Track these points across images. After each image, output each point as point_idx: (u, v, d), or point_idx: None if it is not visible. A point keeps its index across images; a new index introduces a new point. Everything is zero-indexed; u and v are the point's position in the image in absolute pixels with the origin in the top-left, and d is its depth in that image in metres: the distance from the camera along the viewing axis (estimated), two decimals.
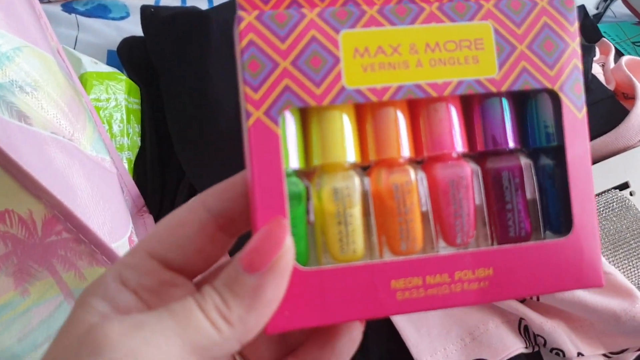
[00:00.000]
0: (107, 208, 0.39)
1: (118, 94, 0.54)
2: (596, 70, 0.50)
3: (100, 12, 0.70)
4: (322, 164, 0.22)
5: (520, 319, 0.42)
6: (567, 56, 0.22)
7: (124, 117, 0.53)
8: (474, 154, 0.23)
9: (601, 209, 0.43)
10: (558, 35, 0.22)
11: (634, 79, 0.47)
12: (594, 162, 0.45)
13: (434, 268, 0.21)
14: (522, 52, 0.22)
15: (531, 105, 0.23)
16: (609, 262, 0.41)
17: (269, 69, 0.20)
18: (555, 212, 0.23)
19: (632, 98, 0.47)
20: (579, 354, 0.40)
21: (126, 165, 0.52)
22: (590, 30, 0.64)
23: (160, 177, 0.53)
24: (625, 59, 0.50)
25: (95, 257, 0.34)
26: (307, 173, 0.22)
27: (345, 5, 0.22)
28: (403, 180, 0.22)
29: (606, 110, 0.47)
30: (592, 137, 0.46)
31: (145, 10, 0.60)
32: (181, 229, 0.21)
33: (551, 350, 0.41)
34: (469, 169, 0.22)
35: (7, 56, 0.36)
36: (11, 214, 0.31)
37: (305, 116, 0.22)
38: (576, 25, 0.22)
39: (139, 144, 0.55)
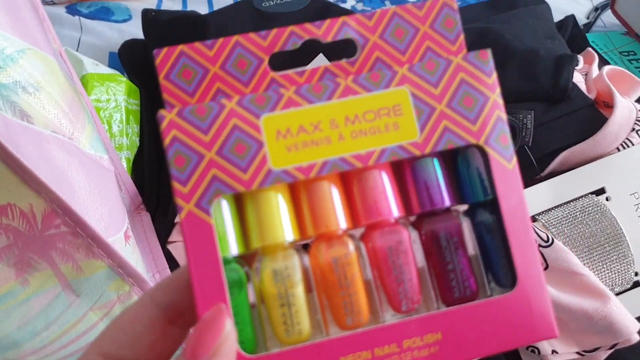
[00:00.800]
0: (104, 204, 0.40)
1: (118, 95, 0.55)
2: (578, 79, 0.52)
3: (103, 14, 0.72)
4: (261, 246, 0.22)
5: None
6: (488, 109, 0.22)
7: (124, 117, 0.55)
8: (413, 216, 0.23)
9: (577, 214, 0.44)
10: (476, 90, 0.22)
11: (613, 88, 0.48)
12: (572, 167, 0.47)
13: (382, 339, 0.20)
14: (441, 112, 0.22)
15: (461, 161, 0.23)
16: (584, 264, 0.42)
17: (195, 161, 0.21)
18: (499, 265, 0.22)
19: (612, 107, 0.49)
20: (554, 351, 0.42)
21: (125, 165, 0.54)
22: (578, 40, 0.65)
23: (157, 177, 0.55)
24: (606, 68, 0.52)
25: (92, 250, 0.36)
26: (248, 257, 0.22)
27: (268, 89, 0.22)
28: (342, 252, 0.21)
29: (586, 118, 0.48)
30: (571, 144, 0.48)
31: (146, 14, 0.62)
32: (131, 326, 0.21)
33: (527, 348, 0.43)
34: (406, 233, 0.22)
35: (11, 58, 0.37)
36: (13, 208, 0.33)
37: (240, 200, 0.22)
38: (494, 76, 0.22)
39: (138, 144, 0.56)
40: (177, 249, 0.49)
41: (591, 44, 0.67)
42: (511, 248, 0.21)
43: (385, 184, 0.22)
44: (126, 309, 0.22)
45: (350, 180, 0.23)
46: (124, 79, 0.58)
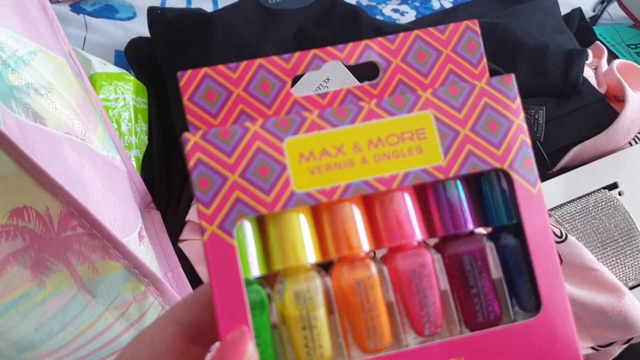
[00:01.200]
0: (117, 205, 0.40)
1: (126, 94, 0.55)
2: (588, 73, 0.52)
3: (108, 12, 0.72)
4: (283, 268, 0.22)
5: None
6: (512, 133, 0.22)
7: (132, 116, 0.55)
8: (435, 239, 0.23)
9: (590, 208, 0.44)
10: (501, 114, 0.22)
11: (624, 82, 0.48)
12: (584, 162, 0.47)
13: None
14: (465, 136, 0.22)
15: (485, 184, 0.23)
16: (598, 259, 0.42)
17: (219, 184, 0.21)
18: (523, 290, 0.22)
19: (622, 101, 0.49)
20: None
21: (134, 163, 0.54)
22: (585, 33, 0.65)
23: (167, 175, 0.55)
24: (616, 62, 0.52)
25: (107, 251, 0.36)
26: (270, 278, 0.23)
27: (290, 112, 0.22)
28: (364, 275, 0.21)
29: (597, 112, 0.48)
30: (583, 138, 0.48)
31: (152, 12, 0.62)
32: (152, 344, 0.21)
33: None
34: (430, 256, 0.22)
35: (23, 60, 0.37)
36: (29, 210, 0.33)
37: (262, 222, 0.22)
38: (518, 101, 0.22)
39: (147, 142, 0.56)
40: (189, 247, 0.50)
41: (598, 37, 0.67)
42: (535, 272, 0.21)
43: (408, 206, 0.22)
44: (147, 327, 0.22)
45: (372, 202, 0.22)
46: (132, 77, 0.58)
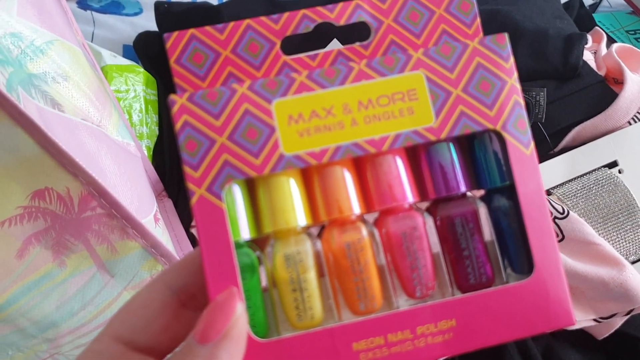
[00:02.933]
0: (133, 188, 0.42)
1: (137, 86, 0.57)
2: (588, 57, 0.53)
3: (114, 8, 0.73)
4: (273, 231, 0.22)
5: None
6: (505, 94, 0.21)
7: (143, 107, 0.57)
8: (427, 202, 0.23)
9: (591, 186, 0.46)
10: (494, 74, 0.21)
11: (623, 64, 0.49)
12: (585, 142, 0.48)
13: (395, 325, 0.20)
14: (458, 96, 0.21)
15: (477, 146, 0.23)
16: (599, 234, 0.44)
17: (207, 146, 0.21)
18: (515, 251, 0.22)
19: (621, 83, 0.50)
20: None
21: (146, 153, 0.55)
22: (585, 20, 0.66)
23: (178, 164, 0.56)
24: (615, 46, 0.53)
25: (126, 231, 0.37)
26: (260, 242, 0.22)
27: (280, 73, 0.22)
28: (355, 238, 0.21)
29: (597, 94, 0.49)
30: (583, 119, 0.49)
31: (159, 7, 0.63)
32: (144, 309, 0.21)
33: None
34: (421, 219, 0.22)
35: (40, 49, 0.39)
36: (50, 192, 0.34)
37: (252, 185, 0.22)
38: (511, 61, 0.22)
39: (157, 132, 0.58)
40: None
41: (597, 23, 0.68)
42: (528, 234, 0.21)
43: (399, 168, 0.22)
44: (138, 292, 0.22)
45: (363, 165, 0.22)
46: (142, 69, 0.59)
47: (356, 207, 0.22)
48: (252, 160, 0.21)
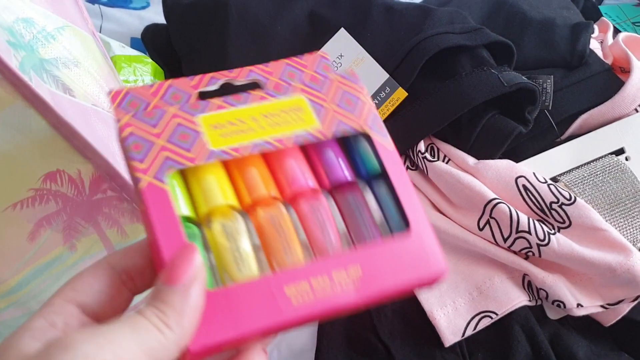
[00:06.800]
0: None
1: (145, 76, 0.57)
2: (594, 45, 0.53)
3: (122, 2, 0.74)
4: (207, 211, 0.26)
5: (524, 275, 0.46)
6: (366, 109, 0.28)
7: None
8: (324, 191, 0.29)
9: (598, 173, 0.46)
10: (354, 96, 0.29)
11: (630, 53, 0.50)
12: (591, 130, 0.48)
13: (316, 272, 0.25)
14: (332, 109, 0.28)
15: (353, 145, 0.29)
16: (606, 220, 0.44)
17: (149, 146, 0.25)
18: (393, 217, 0.27)
19: (628, 72, 0.50)
20: (579, 305, 0.43)
21: None
22: (591, 12, 0.66)
23: None
24: (622, 35, 0.53)
25: (136, 215, 0.37)
26: (197, 223, 0.26)
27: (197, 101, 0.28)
28: (277, 212, 0.26)
29: (603, 82, 0.50)
30: (590, 107, 0.49)
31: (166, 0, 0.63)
32: (93, 279, 0.24)
33: (553, 302, 0.44)
34: (324, 197, 0.28)
35: (51, 35, 0.39)
36: (62, 174, 0.35)
37: (185, 180, 0.27)
38: (365, 90, 0.29)
39: None
40: None
41: (604, 15, 0.68)
42: (401, 202, 0.27)
43: (300, 161, 0.28)
44: (83, 270, 0.25)
45: (271, 163, 0.28)
46: (150, 60, 0.59)
47: (273, 190, 0.27)
48: (187, 155, 0.26)
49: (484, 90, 0.46)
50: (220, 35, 0.57)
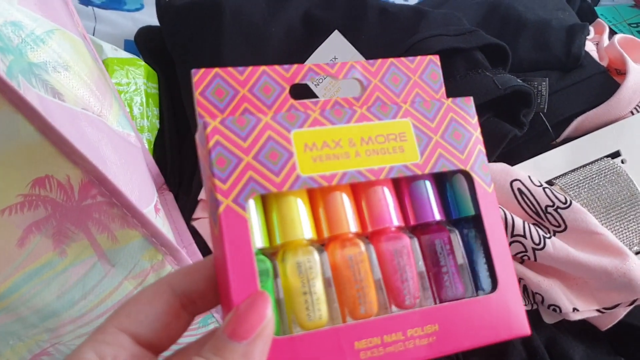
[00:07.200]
0: (134, 178, 0.42)
1: (137, 79, 0.57)
2: (590, 47, 0.53)
3: (116, 4, 0.73)
4: (283, 243, 0.25)
5: (520, 279, 0.45)
6: (472, 143, 0.27)
7: (144, 100, 0.56)
8: (408, 227, 0.27)
9: (594, 176, 0.45)
10: (463, 127, 0.27)
11: (625, 55, 0.49)
12: (587, 132, 0.48)
13: (390, 328, 0.24)
14: (437, 142, 0.26)
15: (450, 184, 0.27)
16: (602, 224, 0.43)
17: (234, 163, 0.24)
18: (482, 272, 0.26)
19: (624, 74, 0.49)
20: (575, 309, 0.43)
21: (147, 146, 0.55)
22: (587, 13, 0.66)
23: (179, 157, 0.56)
24: (618, 37, 0.52)
25: (126, 220, 0.37)
26: (270, 252, 0.25)
27: (290, 110, 0.26)
28: (356, 251, 0.25)
29: (599, 84, 0.49)
30: (585, 109, 0.49)
31: (160, 1, 0.63)
32: (149, 306, 0.23)
33: (549, 306, 0.44)
34: (408, 239, 0.26)
35: (41, 39, 0.38)
36: (51, 179, 0.34)
37: (264, 203, 0.25)
38: (476, 118, 0.27)
39: (158, 126, 0.58)
40: (202, 225, 0.51)
41: (599, 16, 0.68)
42: (492, 257, 0.25)
43: (388, 197, 0.26)
44: (143, 289, 0.23)
45: (358, 193, 0.26)
46: (143, 63, 0.59)
47: (354, 226, 0.25)
48: (274, 178, 0.24)
49: (478, 93, 0.45)
50: (214, 37, 0.56)
